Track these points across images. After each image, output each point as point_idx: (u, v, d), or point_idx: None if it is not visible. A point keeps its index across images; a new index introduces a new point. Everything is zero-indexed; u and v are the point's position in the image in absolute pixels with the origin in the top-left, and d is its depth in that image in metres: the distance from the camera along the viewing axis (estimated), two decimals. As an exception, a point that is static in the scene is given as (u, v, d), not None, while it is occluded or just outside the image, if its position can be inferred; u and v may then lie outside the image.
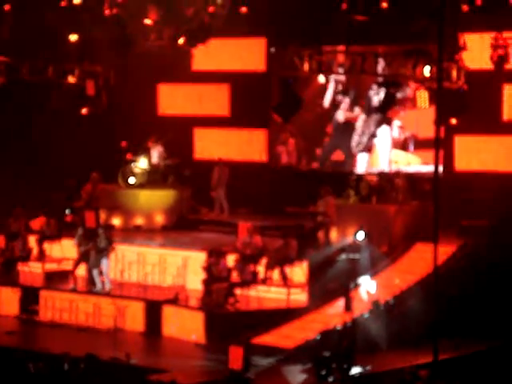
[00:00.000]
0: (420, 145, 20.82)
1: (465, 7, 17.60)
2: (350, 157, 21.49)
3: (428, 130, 18.68)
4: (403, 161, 20.86)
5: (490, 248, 17.78)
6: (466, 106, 17.50)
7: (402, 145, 21.15)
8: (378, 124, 21.04)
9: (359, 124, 21.39)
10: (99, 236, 18.65)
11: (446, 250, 17.24)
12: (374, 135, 21.19)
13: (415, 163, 20.90)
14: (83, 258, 19.10)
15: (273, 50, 20.71)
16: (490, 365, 15.57)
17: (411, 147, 21.04)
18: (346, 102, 21.58)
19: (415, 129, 20.95)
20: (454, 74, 17.35)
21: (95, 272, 18.86)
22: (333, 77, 20.91)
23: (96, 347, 16.02)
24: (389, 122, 20.82)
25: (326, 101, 21.65)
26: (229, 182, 21.94)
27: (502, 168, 19.62)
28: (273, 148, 22.43)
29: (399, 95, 18.88)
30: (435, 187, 14.91)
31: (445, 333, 14.97)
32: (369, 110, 21.18)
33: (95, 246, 18.69)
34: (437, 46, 15.28)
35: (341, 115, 21.60)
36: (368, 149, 21.29)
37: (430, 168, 19.69)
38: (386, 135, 21.16)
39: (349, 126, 21.52)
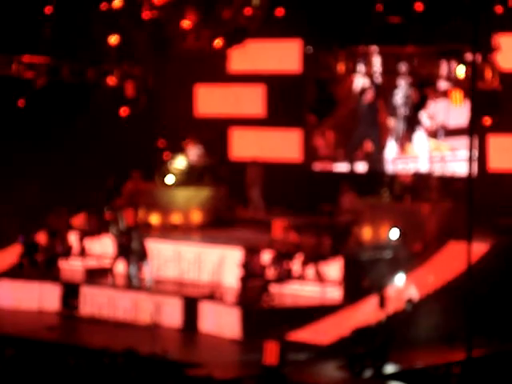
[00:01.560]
0: (450, 133, 20.87)
1: (499, 8, 17.68)
2: (380, 148, 21.60)
3: (457, 119, 18.74)
4: (444, 148, 20.91)
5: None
6: (499, 107, 17.58)
7: (432, 134, 21.20)
8: (408, 120, 21.14)
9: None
10: (133, 238, 19.03)
11: (479, 249, 17.32)
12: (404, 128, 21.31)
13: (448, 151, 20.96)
14: (121, 254, 19.47)
15: (309, 48, 20.67)
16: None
17: (441, 136, 21.10)
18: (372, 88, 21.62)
19: (444, 117, 20.95)
20: (488, 74, 17.44)
21: (133, 269, 19.22)
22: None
23: (134, 342, 16.29)
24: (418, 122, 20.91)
25: (358, 84, 21.66)
26: (264, 181, 22.19)
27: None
28: (310, 142, 22.60)
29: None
30: (469, 186, 15.01)
31: (478, 331, 15.06)
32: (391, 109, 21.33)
33: (130, 246, 19.08)
34: (471, 46, 15.38)
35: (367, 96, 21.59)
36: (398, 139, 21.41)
37: (464, 166, 19.77)
38: (421, 140, 21.28)
39: (376, 115, 21.61)
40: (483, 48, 17.04)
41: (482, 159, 20.00)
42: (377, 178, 20.31)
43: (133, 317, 18.58)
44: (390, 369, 15.55)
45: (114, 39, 19.81)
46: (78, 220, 21.07)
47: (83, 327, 18.55)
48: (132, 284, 19.19)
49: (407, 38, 18.39)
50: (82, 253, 20.64)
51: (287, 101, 22.34)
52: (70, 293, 19.30)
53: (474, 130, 14.96)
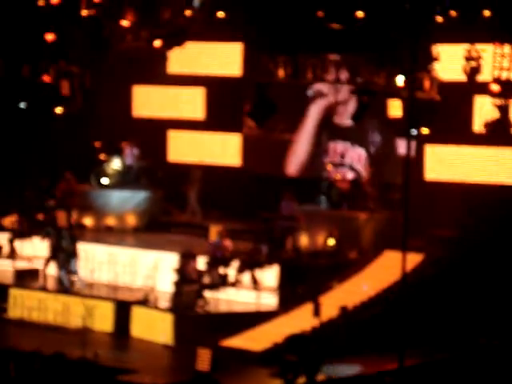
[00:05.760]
0: None
1: (439, 19, 17.83)
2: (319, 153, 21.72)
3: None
4: None
5: (457, 258, 18.03)
6: (437, 116, 17.73)
7: None
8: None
9: None
10: (64, 236, 18.73)
11: (414, 259, 17.44)
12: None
13: None
14: (53, 256, 19.13)
15: None
16: (454, 373, 15.78)
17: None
18: None
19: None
20: (427, 84, 17.58)
21: (63, 271, 18.91)
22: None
23: (64, 346, 15.99)
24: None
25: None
26: (201, 185, 22.04)
27: (471, 179, 19.87)
28: (247, 152, 22.50)
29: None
30: (405, 196, 15.10)
31: (410, 340, 15.15)
32: None
33: (61, 246, 18.78)
34: (410, 56, 15.48)
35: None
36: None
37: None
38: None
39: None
40: (422, 58, 17.17)
41: (419, 169, 20.17)
42: (314, 185, 20.32)
43: (63, 320, 18.25)
44: (322, 377, 15.51)
45: (50, 36, 19.47)
46: (9, 221, 20.68)
47: (12, 330, 18.16)
48: (63, 287, 18.86)
49: (347, 46, 18.44)
50: (13, 254, 20.24)
51: (227, 104, 22.24)
52: (-1, 294, 18.92)
53: (411, 139, 15.05)
